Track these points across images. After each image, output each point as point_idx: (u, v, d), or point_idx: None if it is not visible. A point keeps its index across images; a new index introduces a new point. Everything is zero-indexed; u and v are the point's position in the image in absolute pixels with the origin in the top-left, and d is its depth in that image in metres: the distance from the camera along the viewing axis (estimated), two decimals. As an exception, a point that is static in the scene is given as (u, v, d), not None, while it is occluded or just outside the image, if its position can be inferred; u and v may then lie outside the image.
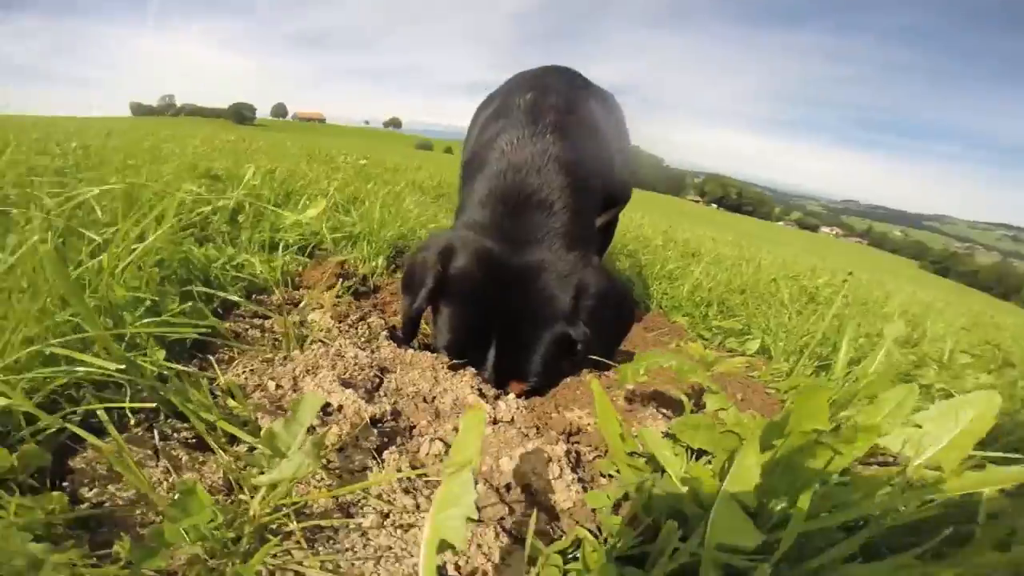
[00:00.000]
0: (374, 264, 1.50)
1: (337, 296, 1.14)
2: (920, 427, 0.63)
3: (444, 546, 0.40)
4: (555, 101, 1.29)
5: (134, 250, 0.88)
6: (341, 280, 1.26)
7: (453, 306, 1.02)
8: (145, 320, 0.78)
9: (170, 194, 1.43)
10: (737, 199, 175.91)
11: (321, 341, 0.93)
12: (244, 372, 0.79)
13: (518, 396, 0.98)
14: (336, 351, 0.87)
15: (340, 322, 1.04)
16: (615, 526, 0.57)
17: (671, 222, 9.78)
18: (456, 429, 0.74)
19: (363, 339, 1.00)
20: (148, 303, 0.82)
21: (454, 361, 1.01)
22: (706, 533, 0.46)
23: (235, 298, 0.96)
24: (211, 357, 0.78)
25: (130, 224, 0.89)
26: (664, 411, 0.95)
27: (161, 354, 0.71)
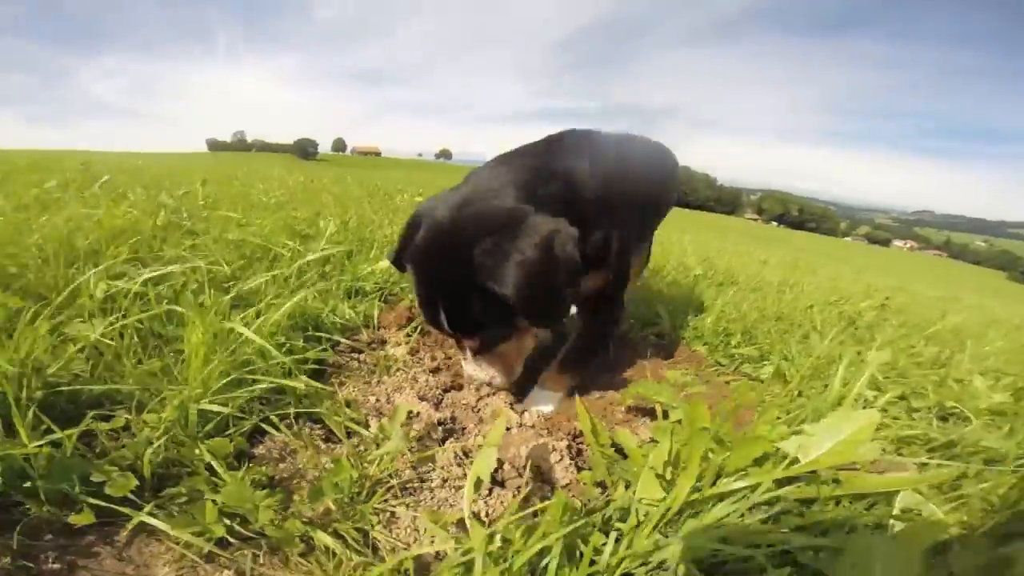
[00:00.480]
0: (435, 307, 1.87)
1: (407, 335, 1.52)
2: (812, 436, 0.89)
3: (479, 483, 0.74)
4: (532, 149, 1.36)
5: (271, 305, 1.29)
6: (409, 321, 1.64)
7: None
8: (286, 357, 1.17)
9: (272, 247, 1.87)
10: (799, 216, 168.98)
11: (402, 370, 1.31)
12: (353, 391, 1.18)
13: (475, 352, 1.17)
14: (413, 376, 1.26)
15: (413, 355, 1.41)
16: (591, 490, 0.88)
17: (721, 245, 9.74)
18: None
19: (429, 369, 1.37)
20: (286, 344, 1.22)
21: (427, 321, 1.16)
22: (636, 489, 0.77)
23: (338, 338, 1.35)
24: (332, 380, 1.17)
25: (271, 288, 1.30)
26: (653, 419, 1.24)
27: (303, 380, 1.10)
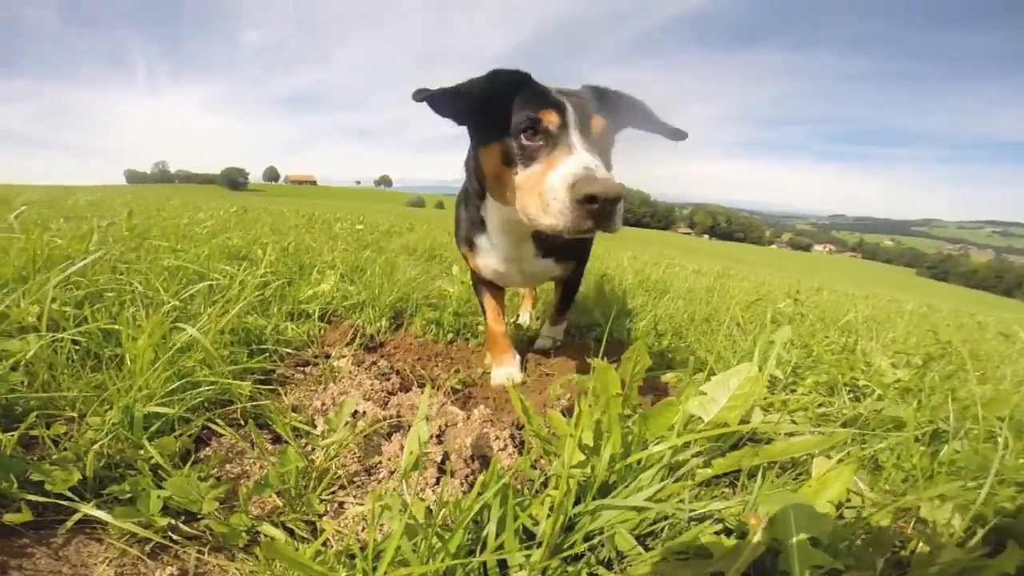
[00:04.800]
0: (379, 325, 1.88)
1: (353, 352, 1.56)
2: (706, 394, 1.01)
3: (413, 461, 0.81)
4: None
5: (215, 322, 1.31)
6: (354, 340, 1.68)
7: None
8: (231, 367, 1.20)
9: (208, 273, 1.86)
10: (727, 226, 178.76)
11: (347, 378, 1.35)
12: (300, 397, 1.22)
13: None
14: (358, 382, 1.30)
15: (358, 366, 1.46)
16: (529, 472, 0.97)
17: (656, 259, 10.19)
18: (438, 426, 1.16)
19: (375, 376, 1.42)
20: (230, 356, 1.24)
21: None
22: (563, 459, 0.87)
23: (283, 350, 1.38)
24: (279, 390, 1.21)
25: (213, 310, 1.33)
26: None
27: (249, 386, 1.13)
